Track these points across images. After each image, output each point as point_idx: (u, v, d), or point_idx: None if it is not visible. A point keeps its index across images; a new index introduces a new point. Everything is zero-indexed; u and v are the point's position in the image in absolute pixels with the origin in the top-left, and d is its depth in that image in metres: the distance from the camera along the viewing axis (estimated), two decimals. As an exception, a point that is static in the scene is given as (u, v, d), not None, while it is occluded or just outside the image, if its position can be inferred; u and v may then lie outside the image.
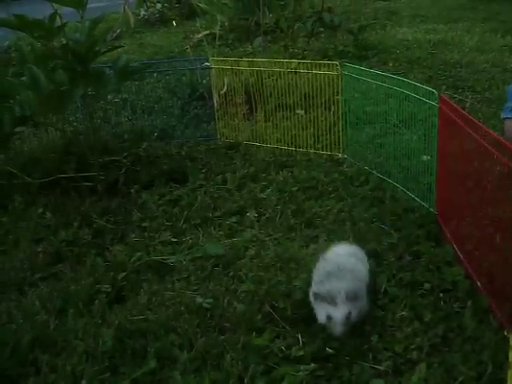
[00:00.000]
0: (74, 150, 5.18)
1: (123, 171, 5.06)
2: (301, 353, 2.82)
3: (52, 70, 4.59)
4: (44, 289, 3.61)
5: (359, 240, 3.79)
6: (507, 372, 2.53)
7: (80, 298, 3.44)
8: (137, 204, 4.73)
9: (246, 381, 2.62)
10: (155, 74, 6.85)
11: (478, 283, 3.21)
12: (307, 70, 5.46)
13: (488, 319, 2.97)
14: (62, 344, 3.07)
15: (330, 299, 2.82)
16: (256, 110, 5.97)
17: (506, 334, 2.80)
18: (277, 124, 5.87)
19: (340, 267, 2.97)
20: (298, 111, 5.83)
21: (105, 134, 5.76)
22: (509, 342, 2.72)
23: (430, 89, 4.00)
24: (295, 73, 5.55)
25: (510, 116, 3.70)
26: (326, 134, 5.49)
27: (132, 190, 4.92)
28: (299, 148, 5.58)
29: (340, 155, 5.36)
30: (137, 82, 6.18)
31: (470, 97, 6.79)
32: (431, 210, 4.10)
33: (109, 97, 6.43)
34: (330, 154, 5.39)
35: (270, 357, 2.80)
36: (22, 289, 3.65)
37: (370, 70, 5.06)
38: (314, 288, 3.00)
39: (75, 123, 5.86)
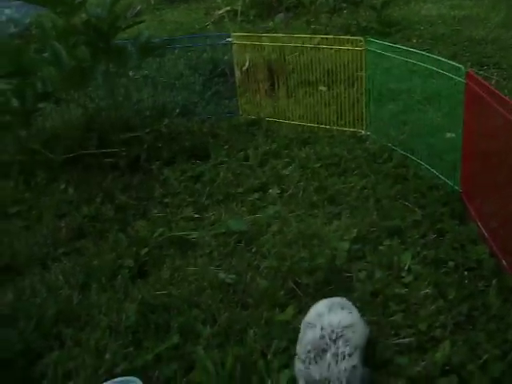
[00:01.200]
0: (96, 127, 5.19)
1: (145, 147, 5.06)
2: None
3: (74, 46, 4.59)
4: (67, 264, 3.64)
5: (383, 217, 3.77)
6: (532, 350, 2.52)
7: (103, 273, 3.46)
8: (159, 180, 4.73)
9: (268, 356, 2.61)
10: (176, 51, 6.85)
11: (504, 262, 3.17)
12: (330, 45, 5.40)
13: (514, 298, 2.94)
14: (86, 318, 3.10)
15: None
16: (278, 86, 5.92)
17: (531, 312, 2.78)
18: (299, 100, 5.82)
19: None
20: (320, 87, 5.76)
21: (126, 110, 5.73)
22: (535, 320, 2.72)
23: (457, 64, 3.93)
24: (318, 48, 5.49)
25: None
26: (349, 111, 5.44)
27: (154, 167, 4.92)
28: (322, 125, 5.54)
29: (363, 132, 5.31)
30: (158, 59, 6.17)
31: (495, 74, 6.67)
32: (456, 187, 4.05)
33: (130, 73, 6.41)
34: (352, 131, 5.34)
35: (292, 333, 2.78)
36: (46, 263, 3.68)
37: (394, 45, 4.97)
38: (299, 366, 2.43)
39: (97, 100, 5.84)
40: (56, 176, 4.82)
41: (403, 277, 3.19)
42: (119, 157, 4.92)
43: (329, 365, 2.29)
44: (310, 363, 2.33)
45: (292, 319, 2.86)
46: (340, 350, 2.32)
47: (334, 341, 2.36)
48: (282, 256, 3.40)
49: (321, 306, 2.62)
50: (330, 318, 2.48)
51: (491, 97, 3.23)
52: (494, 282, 3.04)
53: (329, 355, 2.31)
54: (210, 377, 2.56)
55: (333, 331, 2.39)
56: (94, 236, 3.99)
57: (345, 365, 2.29)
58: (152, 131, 5.27)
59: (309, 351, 2.36)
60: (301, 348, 2.44)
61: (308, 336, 2.44)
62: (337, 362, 2.30)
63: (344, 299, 2.71)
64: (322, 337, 2.38)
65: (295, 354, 2.47)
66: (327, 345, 2.35)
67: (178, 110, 5.91)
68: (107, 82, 5.45)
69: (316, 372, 2.29)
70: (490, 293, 2.98)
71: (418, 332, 2.78)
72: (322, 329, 2.41)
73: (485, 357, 2.52)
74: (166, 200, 4.40)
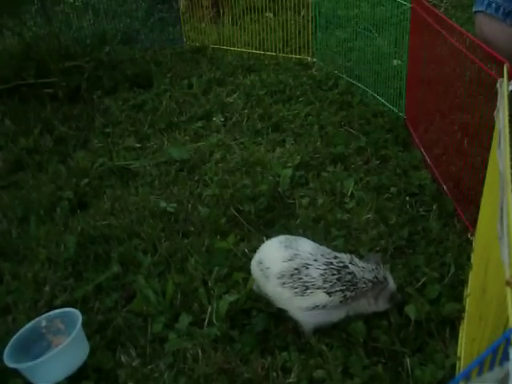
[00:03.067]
0: (34, 56, 4.98)
1: (85, 77, 4.90)
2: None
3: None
4: (5, 197, 3.54)
5: (327, 144, 3.74)
6: (468, 273, 2.56)
7: (42, 206, 3.37)
8: (100, 110, 4.61)
9: (209, 284, 2.60)
10: (118, -25, 6.55)
11: (445, 187, 3.19)
12: (276, -31, 5.26)
13: (453, 222, 2.97)
14: (24, 252, 3.03)
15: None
16: (223, 12, 5.78)
17: (469, 236, 2.81)
18: (245, 27, 5.70)
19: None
20: (266, 14, 5.65)
21: (66, 38, 5.52)
22: (472, 244, 2.75)
23: (403, -11, 3.85)
24: (263, -28, 5.33)
25: (481, 9, 3.50)
26: (296, 38, 5.36)
27: (94, 96, 4.79)
28: (267, 52, 5.46)
29: (309, 59, 5.23)
30: (98, -17, 5.91)
31: (444, 1, 6.61)
32: (400, 114, 4.05)
33: (69, -1, 6.16)
34: (298, 58, 5.27)
35: (234, 260, 2.77)
36: (-19, 198, 3.56)
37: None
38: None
39: (34, 28, 5.60)
40: (-9, 107, 4.63)
41: (346, 203, 3.18)
42: (58, 87, 4.77)
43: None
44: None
45: (234, 246, 2.83)
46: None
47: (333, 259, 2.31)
48: (224, 184, 3.36)
49: (277, 248, 2.38)
50: (303, 249, 2.34)
51: (438, 23, 3.18)
52: (434, 206, 3.06)
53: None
54: (150, 305, 2.53)
55: (322, 255, 2.32)
56: (32, 168, 3.87)
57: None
58: (92, 60, 5.10)
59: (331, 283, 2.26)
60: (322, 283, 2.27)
61: (312, 272, 2.28)
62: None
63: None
64: (329, 263, 2.30)
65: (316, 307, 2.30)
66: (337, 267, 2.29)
67: (119, 38, 5.73)
68: (45, 9, 5.21)
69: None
70: (431, 217, 3.00)
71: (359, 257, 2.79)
72: (316, 260, 2.30)
73: (423, 279, 2.55)
74: (108, 130, 4.30)
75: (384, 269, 2.40)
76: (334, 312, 2.32)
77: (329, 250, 2.38)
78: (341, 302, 2.28)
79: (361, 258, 2.43)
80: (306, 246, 2.35)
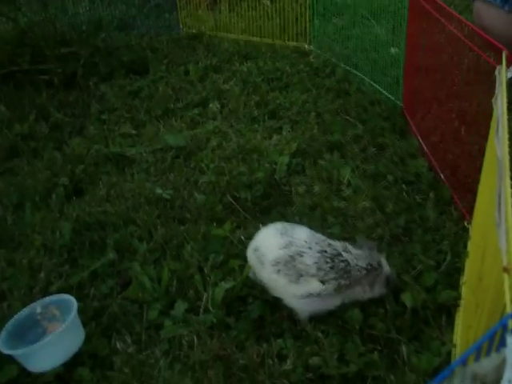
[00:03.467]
0: (29, 42, 4.95)
1: (81, 63, 4.88)
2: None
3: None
4: (0, 184, 3.51)
5: (324, 131, 3.73)
6: (465, 261, 2.56)
7: (37, 192, 3.35)
8: (95, 96, 4.58)
9: (205, 271, 2.59)
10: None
11: (442, 175, 3.19)
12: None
13: (449, 210, 2.96)
14: (19, 238, 3.01)
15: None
16: (220, -1, 5.74)
17: (466, 224, 2.81)
18: (242, 14, 5.66)
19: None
20: (263, 1, 5.60)
21: (61, 24, 5.48)
22: (468, 232, 2.75)
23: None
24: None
25: None
26: (293, 25, 5.32)
27: (90, 83, 4.76)
28: (264, 39, 5.44)
29: (306, 46, 5.21)
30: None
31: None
32: (397, 102, 4.03)
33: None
34: (296, 45, 5.24)
35: (230, 247, 2.76)
36: (-24, 184, 3.54)
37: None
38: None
39: (29, 13, 5.55)
40: (-15, 94, 4.60)
41: (342, 190, 3.17)
42: (54, 73, 4.74)
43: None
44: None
45: (230, 234, 2.83)
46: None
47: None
48: (220, 171, 3.35)
49: (274, 235, 2.37)
50: (298, 236, 2.34)
51: (437, 11, 3.16)
52: (431, 194, 3.05)
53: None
54: (146, 292, 2.52)
55: (317, 243, 2.31)
56: (27, 155, 3.85)
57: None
58: (88, 46, 5.08)
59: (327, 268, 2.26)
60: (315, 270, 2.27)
61: (306, 260, 2.27)
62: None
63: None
64: (323, 251, 2.29)
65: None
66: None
67: (115, 24, 5.70)
68: (40, -5, 5.18)
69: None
70: (427, 205, 2.99)
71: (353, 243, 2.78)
72: (310, 248, 2.29)
73: (419, 267, 2.54)
74: (103, 116, 4.27)
75: (378, 254, 2.40)
76: (329, 300, 2.31)
77: (323, 238, 2.36)
78: (335, 290, 2.27)
79: (355, 244, 2.42)
80: (301, 234, 2.34)
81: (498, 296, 1.32)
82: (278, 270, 2.27)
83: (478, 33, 2.61)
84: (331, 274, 2.26)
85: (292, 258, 2.26)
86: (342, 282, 2.27)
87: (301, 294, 2.27)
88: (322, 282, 2.25)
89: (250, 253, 2.42)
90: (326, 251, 2.28)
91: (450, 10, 2.98)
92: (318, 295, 2.27)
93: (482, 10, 3.49)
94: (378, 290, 2.38)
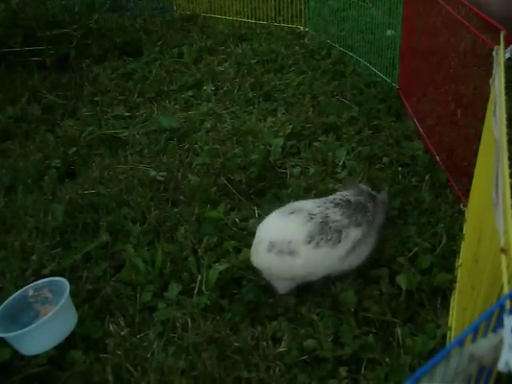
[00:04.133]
0: (21, 23, 4.88)
1: (74, 45, 4.83)
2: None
3: None
4: (-9, 166, 3.48)
5: (319, 113, 3.70)
6: (460, 243, 2.55)
7: (29, 175, 3.32)
8: (88, 78, 4.54)
9: (199, 253, 2.57)
10: None
11: (437, 158, 3.17)
12: None
13: (445, 193, 2.95)
14: (11, 221, 2.98)
15: None
16: (214, -21, 5.68)
17: (461, 207, 2.80)
18: (236, -5, 5.59)
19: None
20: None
21: (53, 5, 5.39)
22: (464, 215, 2.74)
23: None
24: None
25: None
26: (288, 7, 5.29)
27: (83, 65, 4.71)
28: (259, 20, 5.39)
29: (301, 28, 5.18)
30: None
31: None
32: (393, 84, 4.01)
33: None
34: (291, 27, 5.20)
35: (224, 229, 2.74)
36: (-33, 167, 3.50)
37: None
38: None
39: (21, -6, 5.49)
40: (-24, 75, 4.55)
41: (337, 172, 3.15)
42: (46, 55, 4.70)
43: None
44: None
45: (224, 216, 2.81)
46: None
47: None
48: (214, 153, 3.32)
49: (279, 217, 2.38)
50: (304, 206, 2.37)
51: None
52: (427, 177, 3.04)
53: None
54: (139, 274, 2.50)
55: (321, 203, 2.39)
56: (20, 137, 3.81)
57: None
58: (81, 27, 5.02)
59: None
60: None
61: (333, 216, 2.32)
62: None
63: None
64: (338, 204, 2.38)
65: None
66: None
67: (108, 5, 5.61)
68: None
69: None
70: (423, 188, 2.98)
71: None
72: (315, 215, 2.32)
73: (415, 249, 2.53)
74: (96, 98, 4.23)
75: (363, 186, 2.56)
76: (370, 240, 2.42)
77: (317, 199, 2.47)
78: (369, 227, 2.39)
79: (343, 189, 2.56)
80: (303, 204, 2.39)
81: (495, 278, 1.31)
82: (317, 243, 2.25)
83: (476, 12, 2.58)
84: (359, 216, 2.35)
85: (324, 222, 2.28)
86: (369, 216, 2.39)
87: (346, 250, 2.31)
88: (359, 226, 2.34)
89: (266, 256, 2.29)
90: (338, 203, 2.37)
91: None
92: (360, 241, 2.34)
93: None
94: (382, 216, 2.52)
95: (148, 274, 2.52)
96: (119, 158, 3.43)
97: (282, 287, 2.36)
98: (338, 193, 2.52)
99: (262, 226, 2.40)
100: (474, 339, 1.07)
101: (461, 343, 0.98)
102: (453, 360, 0.95)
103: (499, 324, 1.03)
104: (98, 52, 4.89)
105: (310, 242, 2.25)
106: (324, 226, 2.27)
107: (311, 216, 2.29)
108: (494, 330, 1.07)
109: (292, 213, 2.32)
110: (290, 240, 2.25)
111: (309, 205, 2.37)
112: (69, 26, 4.92)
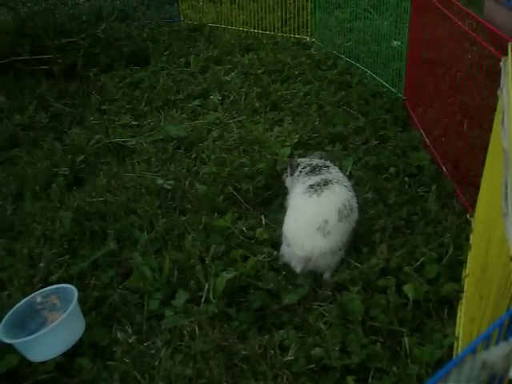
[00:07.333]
0: (29, 32, 4.93)
1: (81, 54, 4.86)
2: (265, 236, 2.75)
3: None
4: (-1, 174, 3.49)
5: (325, 123, 3.72)
6: (467, 253, 2.55)
7: (37, 182, 3.33)
8: (96, 87, 4.56)
9: (207, 261, 2.58)
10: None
11: (444, 168, 3.18)
12: None
13: (452, 203, 2.96)
14: (19, 228, 2.99)
15: None
16: (221, -10, 5.72)
17: (468, 217, 2.80)
18: (243, 6, 5.64)
19: None
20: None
21: (61, 15, 5.46)
22: (471, 225, 2.74)
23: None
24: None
25: None
26: (294, 17, 5.31)
27: (91, 73, 4.74)
28: (266, 31, 5.42)
29: (308, 39, 5.20)
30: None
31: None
32: (399, 95, 4.02)
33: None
34: (297, 38, 5.23)
35: (231, 238, 2.75)
36: (-24, 174, 3.52)
37: None
38: None
39: (29, 3, 5.52)
40: (-15, 84, 4.58)
41: (344, 182, 3.15)
42: (54, 63, 4.72)
43: None
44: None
45: (231, 224, 2.81)
46: None
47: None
48: (222, 162, 3.33)
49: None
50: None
51: (441, 3, 3.14)
52: (433, 187, 3.04)
53: None
54: (147, 282, 2.51)
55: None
56: (27, 145, 3.84)
57: None
58: (89, 36, 5.06)
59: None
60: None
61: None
62: None
63: None
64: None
65: None
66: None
67: (116, 15, 5.66)
68: (41, -16, 5.15)
69: None
70: (429, 198, 2.98)
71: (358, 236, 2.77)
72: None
73: (421, 259, 2.53)
74: (104, 107, 4.26)
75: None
76: None
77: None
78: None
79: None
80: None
81: (504, 287, 1.31)
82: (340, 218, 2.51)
83: (484, 24, 2.59)
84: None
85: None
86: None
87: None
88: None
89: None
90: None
91: (455, 2, 2.97)
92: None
93: (493, 10, 3.47)
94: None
95: (155, 281, 2.52)
96: (126, 166, 3.44)
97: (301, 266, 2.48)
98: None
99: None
100: (485, 347, 1.07)
101: (473, 351, 0.99)
102: (466, 367, 0.95)
103: (510, 333, 1.04)
104: (106, 61, 4.92)
105: (340, 220, 2.52)
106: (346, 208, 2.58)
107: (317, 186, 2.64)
108: (506, 338, 1.07)
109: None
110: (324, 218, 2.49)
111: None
112: (77, 35, 4.97)
